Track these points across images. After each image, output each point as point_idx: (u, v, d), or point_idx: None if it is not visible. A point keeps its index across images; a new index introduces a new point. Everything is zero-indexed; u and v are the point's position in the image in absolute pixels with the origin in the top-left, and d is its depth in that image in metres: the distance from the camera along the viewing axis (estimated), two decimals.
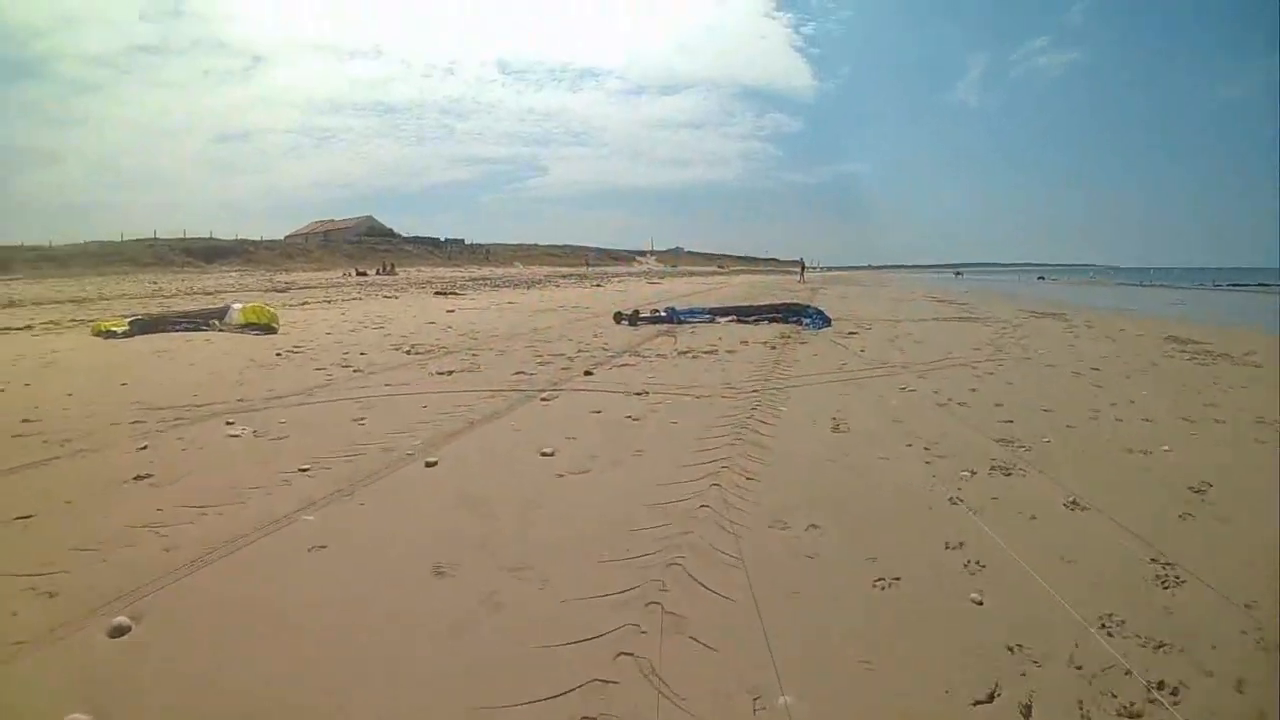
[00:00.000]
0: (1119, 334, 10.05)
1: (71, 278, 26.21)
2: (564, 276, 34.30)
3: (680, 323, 10.97)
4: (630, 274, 54.49)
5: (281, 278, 27.37)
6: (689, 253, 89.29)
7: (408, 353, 7.27)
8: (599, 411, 4.44)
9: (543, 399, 4.84)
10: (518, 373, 5.98)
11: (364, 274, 36.33)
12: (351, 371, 6.09)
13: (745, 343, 8.39)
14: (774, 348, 7.96)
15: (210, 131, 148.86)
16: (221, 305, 9.77)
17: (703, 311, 11.75)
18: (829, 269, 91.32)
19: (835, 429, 4.11)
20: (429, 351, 7.37)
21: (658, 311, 11.29)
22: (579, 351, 7.42)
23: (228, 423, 4.11)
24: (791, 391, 5.26)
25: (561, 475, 3.21)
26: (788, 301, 12.31)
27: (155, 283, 22.05)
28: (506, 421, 4.20)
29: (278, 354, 7.07)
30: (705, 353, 7.43)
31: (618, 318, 10.83)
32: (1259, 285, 35.75)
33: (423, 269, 46.99)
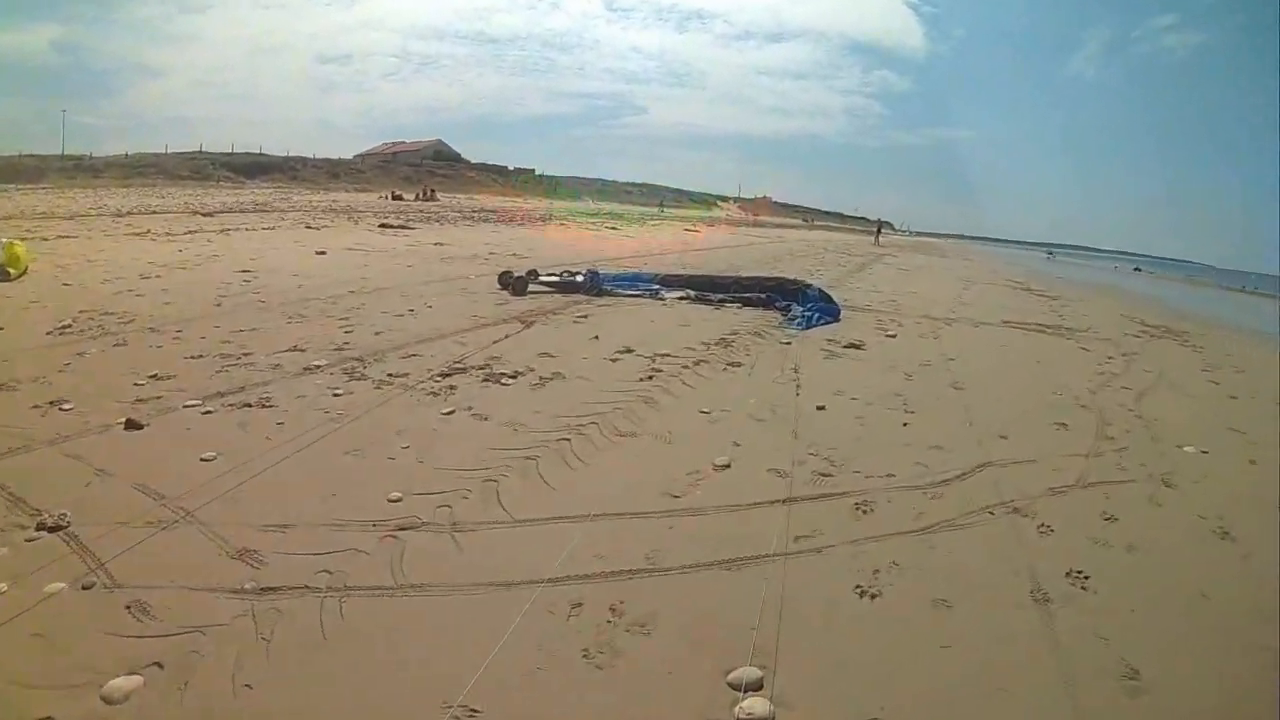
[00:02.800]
0: None
1: (91, 189, 24.98)
2: (593, 215, 30.06)
3: (601, 293, 7.17)
4: (692, 219, 49.50)
5: (305, 197, 25.06)
6: (778, 203, 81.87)
7: None
8: None
9: None
10: None
11: (399, 198, 33.92)
12: None
13: (618, 357, 4.55)
14: (649, 377, 4.10)
15: (312, 52, 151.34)
16: None
17: (649, 280, 7.84)
18: (919, 234, 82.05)
19: None
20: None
21: (574, 274, 7.47)
22: (274, 352, 3.88)
23: None
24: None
25: None
26: (782, 278, 8.08)
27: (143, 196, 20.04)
28: None
29: None
30: (504, 379, 3.74)
31: (504, 280, 7.14)
32: None
33: (475, 197, 44.48)
